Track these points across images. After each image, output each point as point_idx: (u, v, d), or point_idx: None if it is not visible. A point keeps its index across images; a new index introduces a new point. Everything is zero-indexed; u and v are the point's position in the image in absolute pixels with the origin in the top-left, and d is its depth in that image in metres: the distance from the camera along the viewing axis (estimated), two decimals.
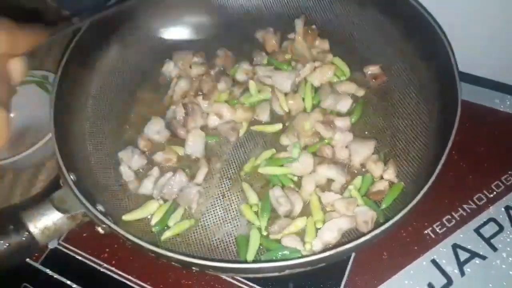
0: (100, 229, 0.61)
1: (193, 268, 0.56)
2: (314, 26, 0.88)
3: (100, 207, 0.65)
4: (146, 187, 0.73)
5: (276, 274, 0.56)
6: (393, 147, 0.75)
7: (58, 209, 0.60)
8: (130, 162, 0.74)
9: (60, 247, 0.77)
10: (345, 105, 0.78)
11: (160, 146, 0.78)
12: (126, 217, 0.69)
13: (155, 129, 0.78)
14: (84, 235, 0.76)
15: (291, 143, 0.75)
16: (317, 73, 0.81)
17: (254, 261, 0.62)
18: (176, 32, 0.91)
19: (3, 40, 0.42)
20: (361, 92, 0.80)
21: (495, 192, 0.77)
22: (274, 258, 0.62)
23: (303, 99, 0.80)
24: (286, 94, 0.80)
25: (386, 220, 0.57)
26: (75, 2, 1.12)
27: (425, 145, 0.72)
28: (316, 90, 0.81)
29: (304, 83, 0.82)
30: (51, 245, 0.77)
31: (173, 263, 0.57)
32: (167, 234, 0.68)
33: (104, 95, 0.83)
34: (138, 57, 0.89)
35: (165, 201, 0.71)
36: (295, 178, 0.72)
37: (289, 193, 0.69)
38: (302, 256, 0.54)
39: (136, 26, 0.88)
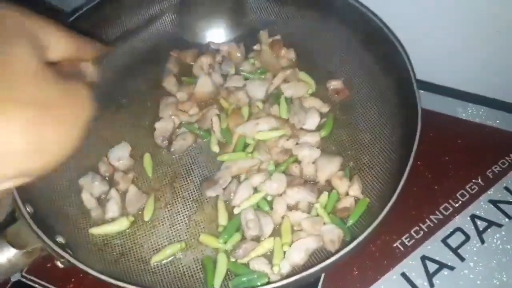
0: (59, 263, 0.58)
1: None
2: (278, 36, 0.88)
3: (60, 239, 0.62)
4: (112, 210, 0.71)
5: None
6: (357, 162, 0.75)
7: (13, 245, 0.57)
8: (91, 189, 0.72)
9: (23, 279, 0.74)
10: (313, 122, 0.77)
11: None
12: (93, 231, 0.68)
13: (118, 155, 0.76)
14: (48, 265, 0.74)
15: (262, 159, 0.74)
16: (290, 85, 0.82)
17: None
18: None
19: (64, 44, 0.40)
20: (325, 109, 0.80)
21: (460, 202, 0.77)
22: (241, 283, 0.61)
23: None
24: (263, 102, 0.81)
25: (353, 238, 0.56)
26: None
27: (389, 158, 0.73)
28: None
29: (276, 95, 0.82)
30: (14, 278, 0.74)
31: None
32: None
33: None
34: (99, 76, 0.86)
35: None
36: (269, 198, 0.71)
37: (260, 215, 0.68)
38: (269, 283, 0.53)
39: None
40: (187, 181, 0.75)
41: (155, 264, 0.67)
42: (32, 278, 0.74)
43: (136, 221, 0.71)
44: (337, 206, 0.69)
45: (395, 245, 0.74)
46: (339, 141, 0.78)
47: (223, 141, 0.79)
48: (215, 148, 0.78)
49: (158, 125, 0.79)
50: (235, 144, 0.77)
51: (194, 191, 0.74)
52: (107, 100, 0.85)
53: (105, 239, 0.69)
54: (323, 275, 0.71)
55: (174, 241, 0.69)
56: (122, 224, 0.70)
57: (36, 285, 0.73)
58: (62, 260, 0.57)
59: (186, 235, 0.69)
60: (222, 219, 0.69)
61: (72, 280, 0.73)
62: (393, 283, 0.70)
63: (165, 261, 0.67)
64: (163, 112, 0.81)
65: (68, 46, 0.42)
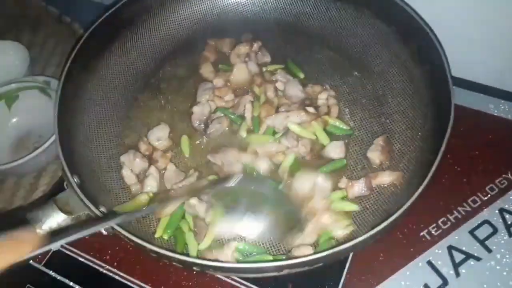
0: (103, 230, 0.62)
1: (194, 268, 0.57)
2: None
3: (103, 209, 0.66)
4: (151, 185, 0.74)
5: (275, 274, 0.57)
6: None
7: (62, 211, 0.61)
8: (132, 165, 0.76)
9: (63, 249, 0.78)
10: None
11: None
12: (117, 208, 0.71)
13: (157, 136, 0.79)
14: (86, 237, 0.77)
15: (289, 145, 0.76)
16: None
17: (253, 261, 0.63)
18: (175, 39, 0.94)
19: None
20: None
21: (489, 195, 0.78)
22: None
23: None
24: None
25: (383, 221, 0.58)
26: (75, 8, 1.14)
27: (420, 148, 0.74)
28: None
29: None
30: (54, 248, 0.77)
31: (174, 263, 0.58)
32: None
33: (107, 99, 0.85)
34: (140, 63, 0.91)
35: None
36: None
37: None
38: (300, 256, 0.55)
39: (137, 32, 0.91)
40: None
41: None
42: (71, 248, 0.78)
43: None
44: None
45: (422, 234, 0.75)
46: (371, 130, 0.80)
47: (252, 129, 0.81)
48: (243, 133, 0.80)
49: (195, 109, 0.82)
50: (264, 132, 0.80)
51: None
52: (147, 85, 0.89)
53: None
54: (350, 258, 0.73)
55: None
56: (142, 200, 0.73)
57: (74, 255, 0.77)
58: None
59: None
60: None
61: (109, 252, 0.77)
62: (418, 270, 0.72)
63: None
64: (201, 97, 0.84)
65: None
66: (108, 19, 0.83)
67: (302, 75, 0.88)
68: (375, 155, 0.75)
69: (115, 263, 0.75)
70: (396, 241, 0.74)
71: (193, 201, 0.69)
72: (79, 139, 0.76)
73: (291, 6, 0.95)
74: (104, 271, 0.75)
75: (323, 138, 0.78)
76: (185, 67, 0.92)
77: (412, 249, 0.74)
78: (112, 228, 0.60)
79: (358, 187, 0.72)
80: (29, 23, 1.16)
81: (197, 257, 0.55)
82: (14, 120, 0.95)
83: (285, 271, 0.57)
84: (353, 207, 0.71)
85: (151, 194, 0.74)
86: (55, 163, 0.88)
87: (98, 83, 0.84)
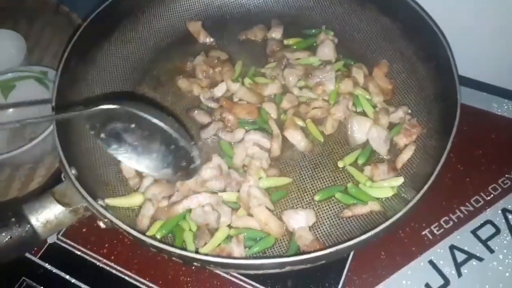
0: (101, 224, 0.61)
1: (194, 263, 0.56)
2: None
3: (100, 202, 0.65)
4: (149, 179, 0.73)
5: (277, 270, 0.56)
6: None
7: (60, 203, 0.60)
8: None
9: (59, 242, 0.76)
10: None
11: None
12: (109, 201, 0.69)
13: None
14: (83, 230, 0.77)
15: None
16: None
17: (255, 257, 0.62)
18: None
19: None
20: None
21: (492, 195, 0.77)
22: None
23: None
24: None
25: (386, 220, 0.57)
26: None
27: (423, 146, 0.73)
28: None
29: None
30: (50, 240, 0.76)
31: (174, 258, 0.57)
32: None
33: (105, 90, 0.83)
34: (138, 54, 0.89)
35: None
36: None
37: None
38: (302, 253, 0.54)
39: (137, 23, 0.90)
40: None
41: None
42: (68, 241, 0.76)
43: None
44: None
45: (423, 233, 0.74)
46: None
47: None
48: None
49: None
50: None
51: None
52: (146, 77, 0.88)
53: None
54: (351, 256, 0.72)
55: None
56: (137, 200, 0.71)
57: (71, 248, 0.76)
58: (105, 220, 0.59)
59: None
60: None
61: (106, 245, 0.75)
62: (420, 269, 0.71)
63: None
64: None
65: None
66: (107, 9, 0.82)
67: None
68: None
69: (112, 257, 0.74)
70: (398, 240, 0.74)
71: (207, 208, 0.67)
72: (76, 130, 0.75)
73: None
74: (101, 265, 0.74)
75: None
76: (184, 60, 0.90)
77: (413, 248, 0.73)
78: (111, 221, 0.58)
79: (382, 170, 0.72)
80: (26, 12, 1.14)
81: (198, 253, 0.54)
82: (10, 110, 0.93)
83: (287, 268, 0.56)
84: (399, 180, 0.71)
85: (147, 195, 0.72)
86: (51, 155, 0.87)
87: (96, 74, 0.83)
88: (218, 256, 0.60)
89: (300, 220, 0.67)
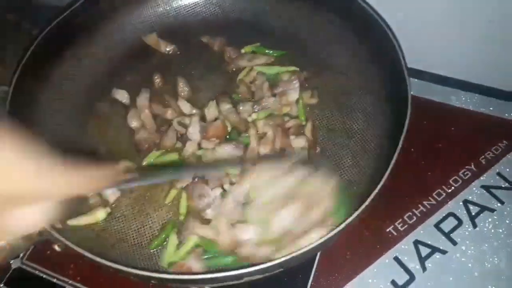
0: (56, 247, 0.60)
1: (152, 282, 0.55)
2: None
3: (57, 224, 0.64)
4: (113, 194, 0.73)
5: (235, 282, 0.56)
6: (351, 149, 0.76)
7: None
8: None
9: (24, 266, 0.75)
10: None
11: None
12: (72, 222, 0.68)
13: None
14: (48, 252, 0.75)
15: None
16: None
17: (210, 271, 0.62)
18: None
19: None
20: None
21: (453, 187, 0.78)
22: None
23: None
24: None
25: (341, 223, 0.57)
26: (35, 15, 1.11)
27: (381, 145, 0.74)
28: None
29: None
30: (14, 265, 0.75)
31: (131, 277, 0.57)
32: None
33: (61, 108, 0.82)
34: (95, 70, 0.88)
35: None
36: None
37: None
38: (259, 263, 0.54)
39: (92, 38, 0.88)
40: None
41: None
42: (32, 264, 0.75)
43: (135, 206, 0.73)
44: None
45: (388, 230, 0.75)
46: (332, 129, 0.79)
47: None
48: None
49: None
50: None
51: None
52: (105, 93, 0.86)
53: (104, 225, 0.71)
54: (317, 258, 0.72)
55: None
56: (99, 216, 0.71)
57: (36, 272, 0.74)
58: (59, 244, 0.58)
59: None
60: None
61: (71, 266, 0.74)
62: (386, 267, 0.71)
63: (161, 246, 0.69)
64: None
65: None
66: (57, 26, 0.81)
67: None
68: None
69: (79, 278, 0.73)
70: (363, 239, 0.74)
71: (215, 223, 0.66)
72: None
73: (249, 5, 0.93)
74: (68, 287, 0.72)
75: None
76: (143, 73, 0.89)
77: (379, 246, 0.73)
78: (65, 244, 0.57)
79: None
80: None
81: (153, 271, 0.53)
82: None
83: (245, 279, 0.55)
84: None
85: (109, 210, 0.72)
86: None
87: (50, 92, 0.81)
88: (173, 272, 0.60)
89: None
